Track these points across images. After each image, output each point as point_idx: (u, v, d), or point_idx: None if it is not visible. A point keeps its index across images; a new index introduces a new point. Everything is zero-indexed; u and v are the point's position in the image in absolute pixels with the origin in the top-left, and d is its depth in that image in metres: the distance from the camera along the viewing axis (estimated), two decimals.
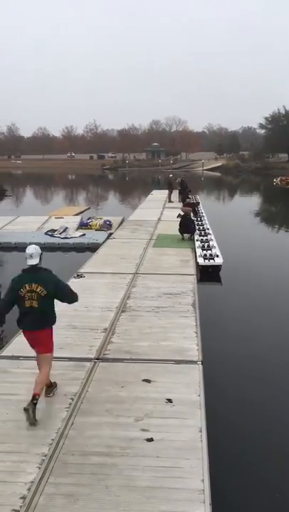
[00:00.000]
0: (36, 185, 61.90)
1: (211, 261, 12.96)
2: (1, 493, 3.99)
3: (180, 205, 21.74)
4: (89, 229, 19.27)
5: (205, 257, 13.13)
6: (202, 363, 6.48)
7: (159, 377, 6.09)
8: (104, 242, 16.21)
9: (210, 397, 5.80)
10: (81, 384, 5.89)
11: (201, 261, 12.85)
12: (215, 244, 14.53)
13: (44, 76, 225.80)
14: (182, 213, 16.40)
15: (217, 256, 13.23)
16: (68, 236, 17.64)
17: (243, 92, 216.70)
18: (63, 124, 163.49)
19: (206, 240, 15.40)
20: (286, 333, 8.95)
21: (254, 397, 6.62)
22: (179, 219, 16.31)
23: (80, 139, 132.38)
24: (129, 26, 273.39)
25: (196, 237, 15.86)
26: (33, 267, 5.32)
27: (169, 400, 5.51)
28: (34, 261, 5.31)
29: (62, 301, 5.50)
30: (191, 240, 15.65)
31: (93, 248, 15.58)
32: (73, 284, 10.52)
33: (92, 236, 17.66)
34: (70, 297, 5.51)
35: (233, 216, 28.56)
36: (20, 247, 16.67)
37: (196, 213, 20.99)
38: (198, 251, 13.73)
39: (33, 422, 4.89)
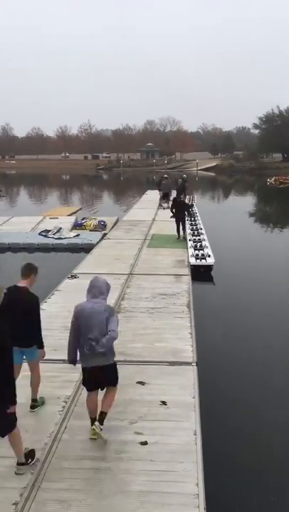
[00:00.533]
0: (30, 185, 61.68)
1: (203, 261, 12.99)
2: None
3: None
4: (83, 229, 19.19)
5: (197, 257, 13.16)
6: (197, 365, 6.44)
7: (154, 379, 6.05)
8: (98, 242, 16.15)
9: (205, 399, 5.76)
10: (75, 387, 5.83)
11: (192, 261, 12.87)
12: (207, 244, 14.56)
13: (38, 76, 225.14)
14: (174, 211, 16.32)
15: (209, 256, 13.26)
16: (62, 236, 17.57)
17: (238, 92, 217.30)
18: (57, 124, 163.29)
19: (199, 239, 15.42)
20: (279, 333, 8.94)
21: (249, 398, 6.58)
22: (173, 219, 16.26)
23: (74, 139, 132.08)
24: (130, 26, 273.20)
25: (189, 236, 15.86)
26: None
27: (164, 403, 5.46)
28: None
29: None
30: (184, 236, 15.74)
31: (87, 249, 15.52)
32: (67, 284, 10.48)
33: (87, 236, 17.60)
34: None
35: (226, 216, 28.54)
36: (14, 248, 16.61)
37: (190, 214, 20.96)
38: (190, 251, 13.75)
39: None
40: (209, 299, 11.17)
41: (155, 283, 10.60)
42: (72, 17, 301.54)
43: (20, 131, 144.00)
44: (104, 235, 17.72)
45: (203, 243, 14.76)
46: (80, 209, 28.57)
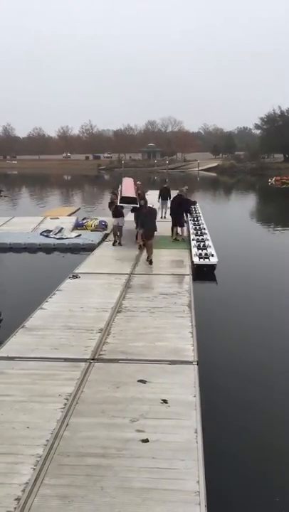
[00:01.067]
0: (32, 185, 61.75)
1: (206, 260, 13.07)
2: None
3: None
4: (84, 229, 19.20)
5: (200, 256, 13.23)
6: (197, 364, 6.47)
7: (155, 377, 6.08)
8: (99, 242, 16.18)
9: (205, 397, 5.79)
10: (76, 384, 5.86)
11: (196, 260, 12.97)
12: (210, 244, 14.61)
13: (40, 76, 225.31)
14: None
15: (212, 255, 13.33)
16: (64, 237, 17.59)
17: (239, 92, 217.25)
18: (59, 125, 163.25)
19: (202, 239, 15.48)
20: (281, 332, 8.96)
21: (250, 397, 6.61)
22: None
23: (75, 140, 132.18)
24: (130, 27, 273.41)
25: (192, 236, 15.91)
26: None
27: (165, 401, 5.49)
28: None
29: None
30: (185, 235, 15.75)
31: (88, 249, 15.54)
32: (69, 284, 10.52)
33: (88, 237, 17.61)
34: None
35: (228, 216, 28.58)
36: (16, 248, 16.64)
37: (191, 213, 21.06)
38: (194, 250, 13.83)
39: None
40: (212, 298, 11.19)
41: (156, 283, 10.63)
42: (73, 18, 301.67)
43: (21, 131, 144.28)
44: (106, 235, 17.75)
45: (207, 243, 14.83)
46: (79, 209, 28.48)
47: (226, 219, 26.99)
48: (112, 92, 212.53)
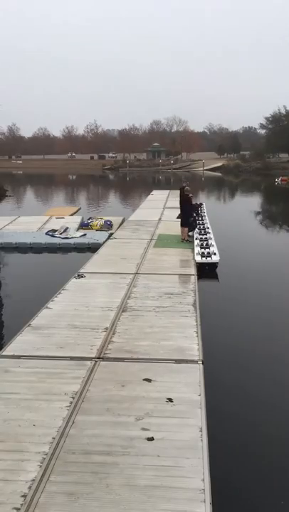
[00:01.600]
0: (37, 185, 61.96)
1: (208, 258, 13.17)
2: (2, 491, 4.00)
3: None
4: (89, 229, 19.28)
5: (202, 255, 13.31)
6: (203, 363, 6.49)
7: (160, 376, 6.10)
8: (104, 242, 16.21)
9: (210, 396, 5.81)
10: (82, 383, 5.90)
11: (198, 258, 13.07)
12: (213, 243, 14.67)
13: (45, 76, 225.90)
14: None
15: (214, 254, 13.42)
16: (69, 236, 17.65)
17: (244, 92, 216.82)
18: (64, 125, 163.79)
19: (205, 238, 15.51)
20: (286, 330, 8.96)
21: (255, 395, 6.63)
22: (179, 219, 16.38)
23: (80, 139, 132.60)
24: (131, 27, 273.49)
25: (196, 235, 15.93)
26: None
27: (170, 400, 5.51)
28: None
29: None
30: (192, 232, 15.89)
31: (94, 248, 15.58)
32: (74, 284, 10.56)
33: (93, 236, 17.67)
34: None
35: (233, 215, 28.54)
36: (21, 248, 16.72)
37: (198, 214, 21.08)
38: (197, 249, 13.90)
39: None
40: (215, 296, 11.23)
41: (161, 282, 10.65)
42: (74, 18, 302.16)
43: (26, 131, 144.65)
44: (111, 234, 17.79)
45: (210, 241, 14.87)
46: (79, 209, 28.47)
47: (231, 218, 26.95)
48: (117, 91, 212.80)
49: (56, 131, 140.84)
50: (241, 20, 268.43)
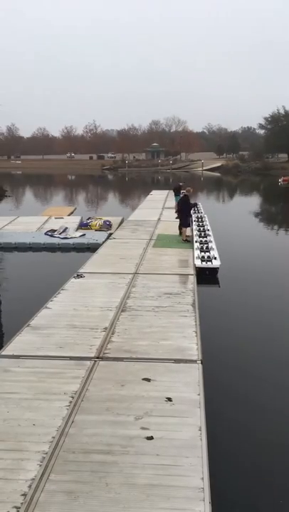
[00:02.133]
0: (36, 185, 61.95)
1: (209, 263, 12.65)
2: (2, 490, 4.02)
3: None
4: (89, 229, 19.30)
5: (203, 259, 12.83)
6: (202, 362, 6.51)
7: (159, 376, 6.12)
8: (104, 242, 16.24)
9: (209, 395, 5.83)
10: (81, 382, 5.92)
11: (198, 263, 12.55)
12: (214, 246, 14.25)
13: (44, 76, 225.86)
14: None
15: (215, 258, 12.93)
16: (68, 236, 17.68)
17: (243, 92, 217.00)
18: (63, 125, 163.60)
19: (205, 241, 15.13)
20: (285, 332, 8.99)
21: (253, 395, 6.65)
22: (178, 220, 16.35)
23: (79, 140, 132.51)
24: (131, 26, 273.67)
25: (195, 238, 15.72)
26: None
27: (169, 399, 5.53)
28: None
29: None
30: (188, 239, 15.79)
31: (93, 248, 15.60)
32: (73, 284, 10.58)
33: (92, 236, 17.69)
34: None
35: (233, 216, 28.55)
36: (21, 248, 16.74)
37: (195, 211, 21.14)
38: (196, 252, 13.45)
39: None
40: (214, 301, 11.11)
41: (160, 282, 10.67)
42: (74, 19, 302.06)
43: (25, 131, 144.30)
44: (110, 234, 17.81)
45: (210, 245, 14.44)
46: (76, 208, 28.43)
47: (232, 220, 26.93)
48: (116, 91, 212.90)
49: (55, 132, 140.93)
50: (241, 21, 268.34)
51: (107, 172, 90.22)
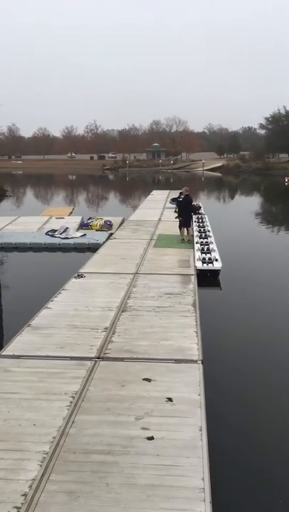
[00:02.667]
0: (37, 185, 61.97)
1: (210, 265, 12.48)
2: (2, 490, 4.01)
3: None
4: (89, 229, 19.30)
5: (204, 261, 12.62)
6: (202, 362, 6.51)
7: (160, 376, 6.12)
8: (104, 242, 16.23)
9: (210, 396, 5.82)
10: (82, 383, 5.92)
11: (199, 265, 12.34)
12: (215, 248, 14.03)
13: (44, 76, 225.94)
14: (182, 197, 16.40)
15: (216, 260, 12.73)
16: (69, 236, 17.67)
17: (244, 92, 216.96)
18: (64, 125, 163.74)
19: (206, 242, 14.94)
20: (286, 333, 8.98)
21: (254, 395, 6.65)
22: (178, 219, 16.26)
23: (80, 140, 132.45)
24: (131, 26, 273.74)
25: (196, 239, 15.55)
26: None
27: (170, 399, 5.53)
28: None
29: None
30: (188, 239, 15.75)
31: (94, 248, 15.60)
32: (74, 284, 10.58)
33: (93, 236, 17.69)
34: None
35: (235, 216, 28.51)
36: (21, 248, 16.75)
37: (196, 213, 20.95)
38: (197, 254, 13.23)
39: None
40: (215, 303, 11.04)
41: (161, 282, 10.66)
42: (74, 19, 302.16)
43: (26, 131, 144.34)
44: (111, 234, 17.81)
45: (211, 246, 14.23)
46: (74, 209, 28.38)
47: (232, 220, 26.90)
48: (116, 91, 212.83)
49: (56, 132, 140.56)
50: (241, 21, 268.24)
51: (107, 172, 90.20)
